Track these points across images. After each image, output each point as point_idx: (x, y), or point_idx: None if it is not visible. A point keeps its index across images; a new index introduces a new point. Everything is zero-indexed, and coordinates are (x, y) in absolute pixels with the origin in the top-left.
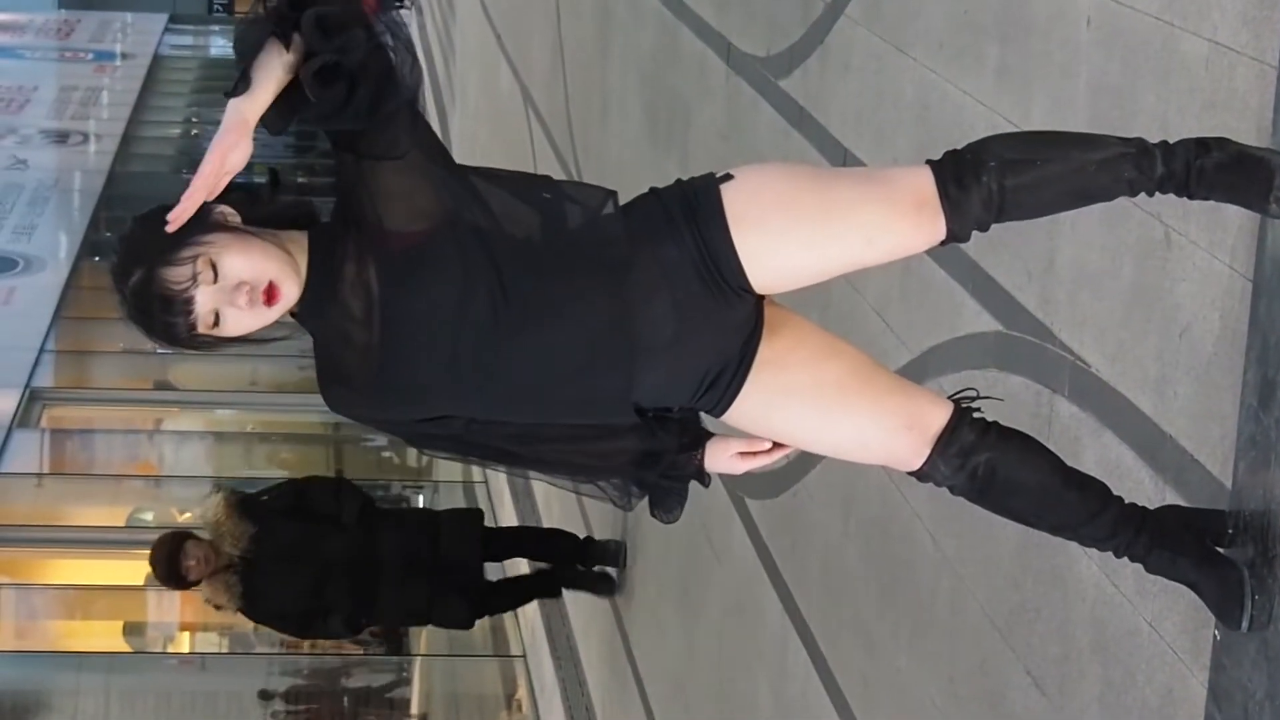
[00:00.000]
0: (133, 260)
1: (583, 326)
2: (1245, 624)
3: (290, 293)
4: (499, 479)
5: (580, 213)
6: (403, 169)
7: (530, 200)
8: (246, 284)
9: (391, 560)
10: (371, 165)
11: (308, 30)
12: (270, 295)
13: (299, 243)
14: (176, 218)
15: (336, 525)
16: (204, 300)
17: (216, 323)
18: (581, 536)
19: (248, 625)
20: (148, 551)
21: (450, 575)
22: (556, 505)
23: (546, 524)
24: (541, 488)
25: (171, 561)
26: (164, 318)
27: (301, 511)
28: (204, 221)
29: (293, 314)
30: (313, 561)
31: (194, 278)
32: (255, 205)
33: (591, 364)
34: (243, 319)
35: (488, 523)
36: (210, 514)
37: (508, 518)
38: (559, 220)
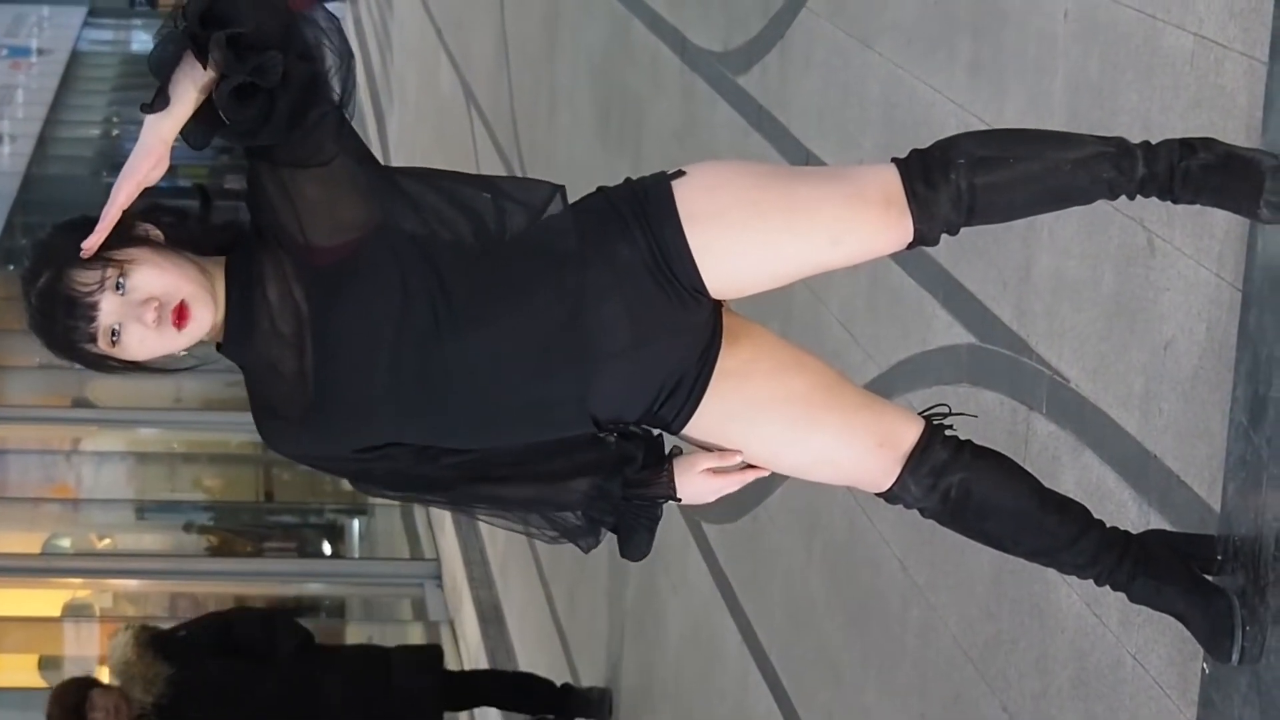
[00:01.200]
0: (43, 263)
1: (531, 327)
2: (1236, 656)
3: (202, 318)
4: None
5: (523, 211)
6: (325, 177)
7: (468, 200)
8: (156, 300)
9: (334, 701)
10: (291, 174)
11: (218, 53)
12: (180, 316)
13: (218, 268)
14: (90, 246)
15: (270, 663)
16: (109, 310)
17: (114, 340)
18: (559, 684)
19: None
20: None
21: (404, 715)
22: (502, 538)
23: (495, 566)
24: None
25: (76, 715)
26: (65, 321)
27: (228, 648)
28: (124, 234)
29: (218, 347)
30: (243, 706)
31: (102, 282)
32: (183, 226)
33: (544, 366)
34: (147, 339)
35: (449, 658)
36: (118, 653)
37: (449, 547)
38: (500, 219)
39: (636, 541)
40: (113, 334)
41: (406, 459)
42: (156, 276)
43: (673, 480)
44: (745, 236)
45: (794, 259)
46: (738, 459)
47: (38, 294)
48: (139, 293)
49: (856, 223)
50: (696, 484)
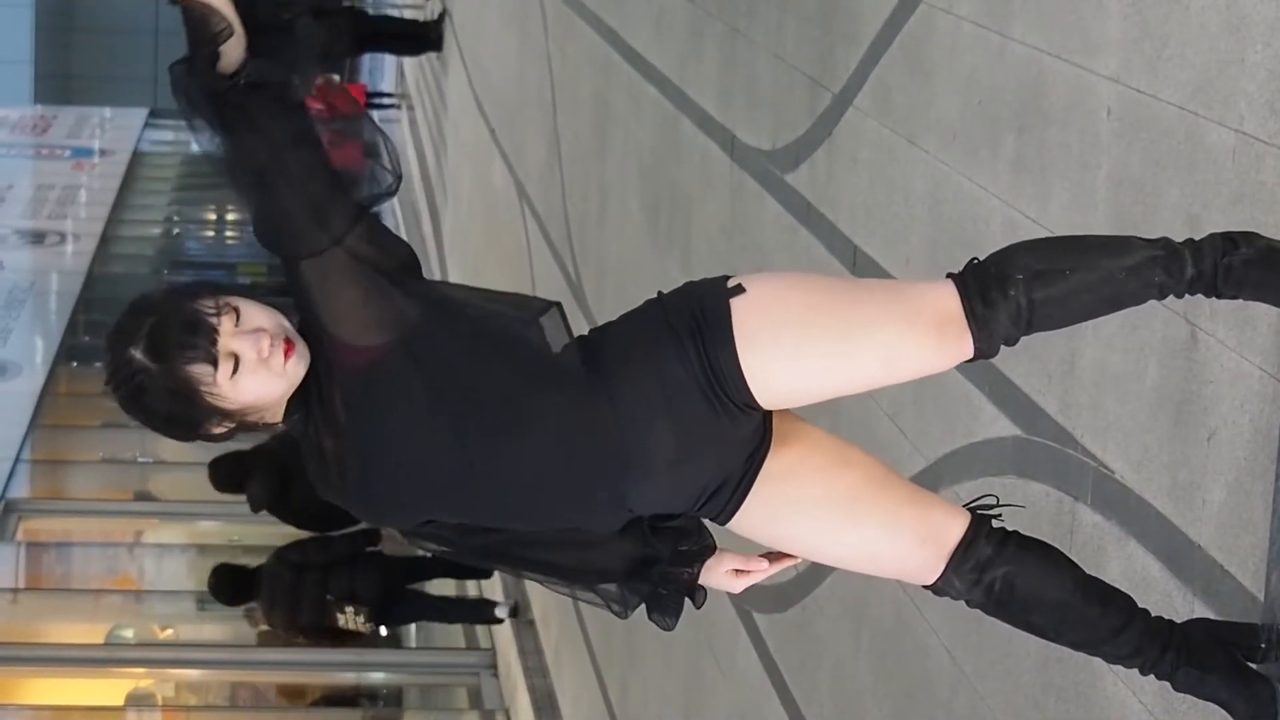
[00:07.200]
0: (143, 313)
1: (573, 439)
2: None
3: (304, 354)
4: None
5: (523, 324)
6: (363, 279)
7: (505, 315)
8: (265, 331)
9: None
10: (321, 277)
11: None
12: (289, 350)
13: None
14: None
15: None
16: (225, 340)
17: (235, 370)
18: None
19: None
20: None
21: None
22: (555, 629)
23: (548, 655)
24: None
25: None
26: (188, 339)
27: None
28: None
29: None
30: None
31: (219, 307)
32: None
33: (585, 478)
34: (257, 372)
35: None
36: None
37: (504, 637)
38: (540, 335)
39: (664, 612)
40: (231, 366)
41: (449, 532)
42: (263, 313)
43: (698, 578)
44: (799, 359)
45: (847, 380)
46: (764, 565)
47: (149, 332)
48: (251, 323)
49: (912, 346)
50: (721, 580)
